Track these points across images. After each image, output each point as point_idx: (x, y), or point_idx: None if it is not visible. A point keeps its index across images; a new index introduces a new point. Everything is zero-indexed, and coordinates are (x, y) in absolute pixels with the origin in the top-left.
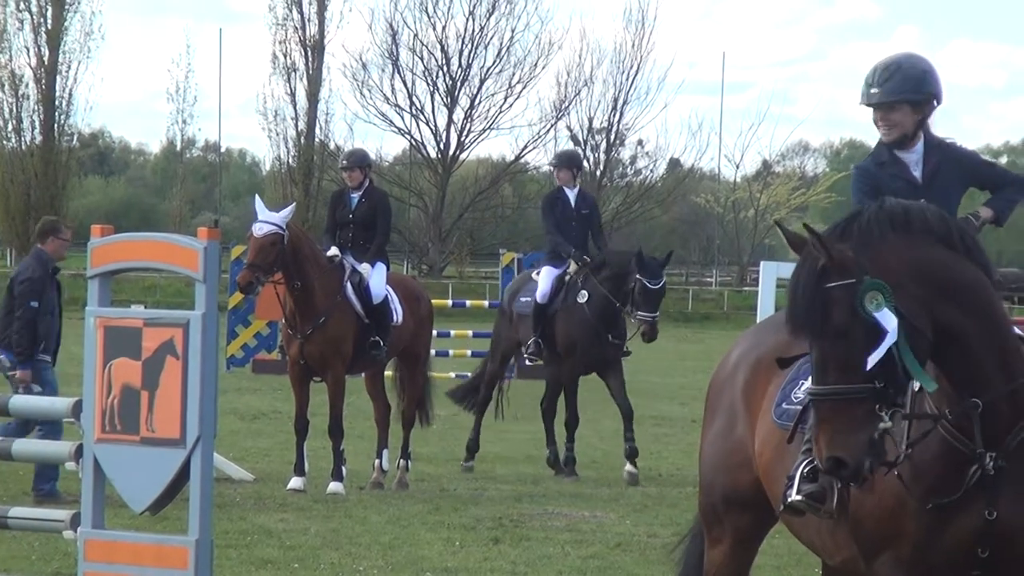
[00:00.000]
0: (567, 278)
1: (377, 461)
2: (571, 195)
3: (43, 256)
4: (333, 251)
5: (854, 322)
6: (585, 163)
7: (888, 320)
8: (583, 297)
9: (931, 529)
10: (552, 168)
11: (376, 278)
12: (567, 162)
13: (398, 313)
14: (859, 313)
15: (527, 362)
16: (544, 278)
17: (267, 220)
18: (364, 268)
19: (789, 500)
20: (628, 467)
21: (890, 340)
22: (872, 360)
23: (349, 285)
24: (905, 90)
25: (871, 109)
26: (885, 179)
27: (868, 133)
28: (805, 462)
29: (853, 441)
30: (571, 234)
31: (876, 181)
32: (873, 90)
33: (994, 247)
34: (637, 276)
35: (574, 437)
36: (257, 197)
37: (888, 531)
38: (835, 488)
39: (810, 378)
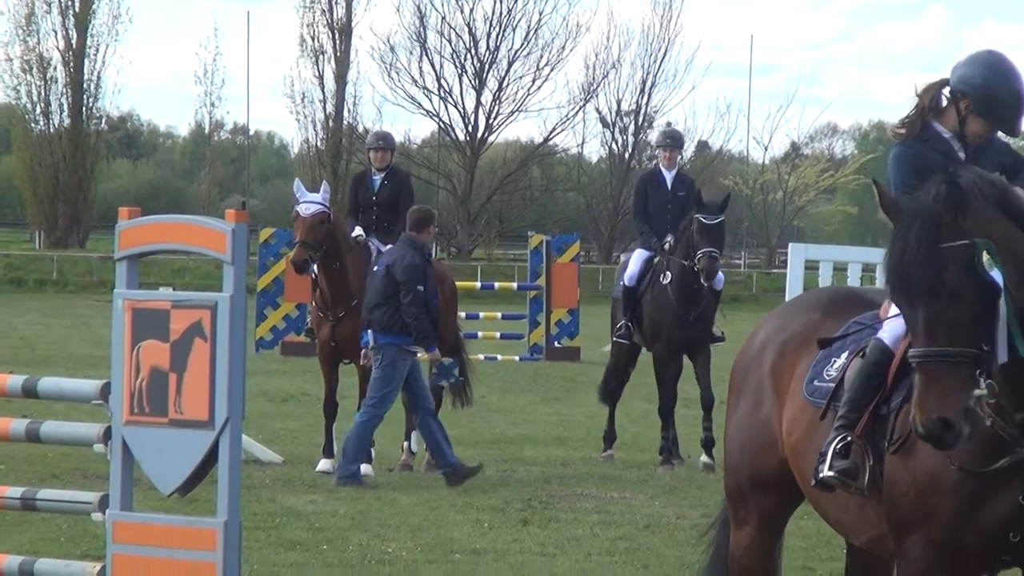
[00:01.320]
0: (656, 260)
1: (406, 443)
2: (668, 177)
3: (417, 243)
4: (357, 231)
5: (968, 282)
6: (613, 146)
7: (999, 279)
8: (667, 278)
9: (964, 511)
10: (660, 148)
11: None
12: (680, 142)
13: None
14: (975, 273)
15: (615, 339)
16: (634, 260)
17: (312, 200)
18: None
19: (821, 476)
20: (704, 457)
21: (1003, 299)
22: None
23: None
24: None
25: (986, 121)
26: (930, 154)
27: (896, 115)
28: (837, 438)
29: (957, 404)
30: (665, 218)
31: (920, 158)
32: (1021, 122)
33: None
34: (695, 215)
35: (668, 425)
36: (297, 179)
37: (921, 511)
38: (867, 465)
39: (843, 357)
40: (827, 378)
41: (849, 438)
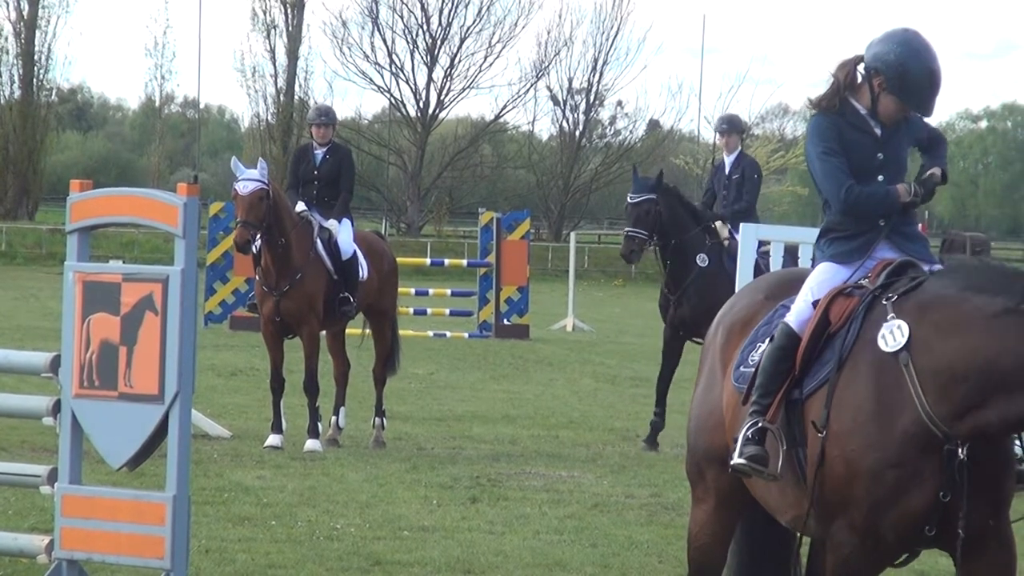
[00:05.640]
0: None
1: (334, 418)
2: (728, 161)
3: None
4: (300, 207)
5: None
6: (564, 124)
7: None
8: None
9: (882, 499)
10: (718, 134)
11: (344, 234)
12: (737, 127)
13: (364, 269)
14: None
15: None
16: None
17: (250, 177)
18: (332, 224)
19: (732, 462)
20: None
21: None
22: None
23: (319, 241)
24: None
25: (899, 100)
26: (849, 130)
27: None
28: (748, 424)
29: None
30: (719, 201)
31: (840, 131)
32: (934, 101)
33: (972, 212)
34: (629, 193)
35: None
36: (234, 157)
37: (841, 497)
38: (779, 451)
39: (766, 342)
40: (750, 363)
41: (760, 423)
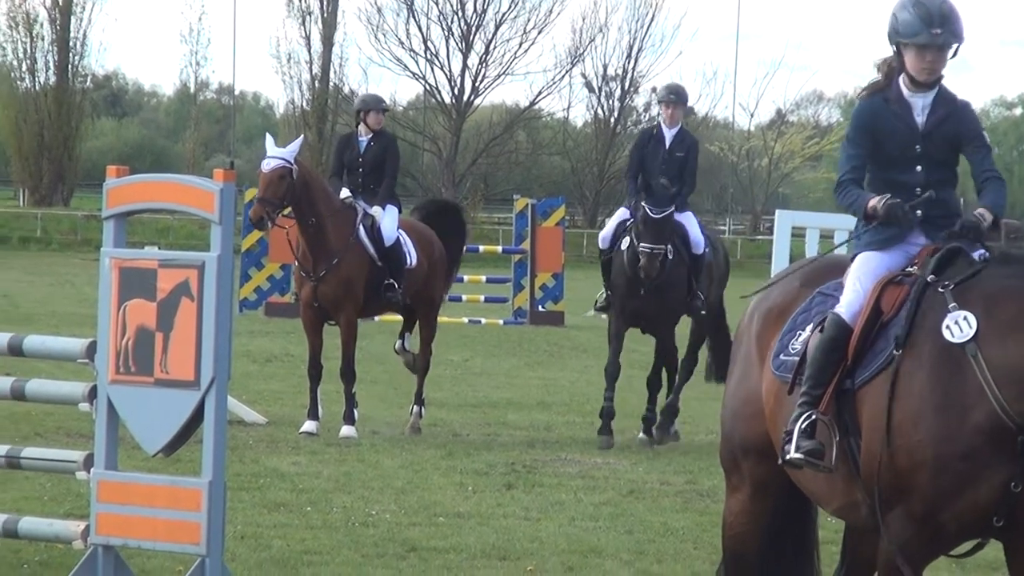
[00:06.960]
0: (629, 223)
1: (416, 408)
2: (668, 134)
3: None
4: (346, 193)
5: None
6: (599, 111)
7: None
8: (625, 243)
9: (946, 491)
10: (662, 104)
11: (388, 220)
12: (683, 98)
13: (412, 256)
14: None
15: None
16: (611, 222)
17: (274, 155)
18: (376, 211)
19: (787, 456)
20: (641, 434)
21: None
22: None
23: (362, 228)
24: (960, 32)
25: (910, 47)
26: (888, 118)
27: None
28: (803, 416)
29: None
30: (658, 177)
31: (876, 121)
32: (936, 31)
33: (1008, 199)
34: (642, 203)
35: (613, 387)
36: (268, 135)
37: (901, 487)
38: (833, 441)
39: (807, 330)
40: (792, 352)
41: (814, 415)
